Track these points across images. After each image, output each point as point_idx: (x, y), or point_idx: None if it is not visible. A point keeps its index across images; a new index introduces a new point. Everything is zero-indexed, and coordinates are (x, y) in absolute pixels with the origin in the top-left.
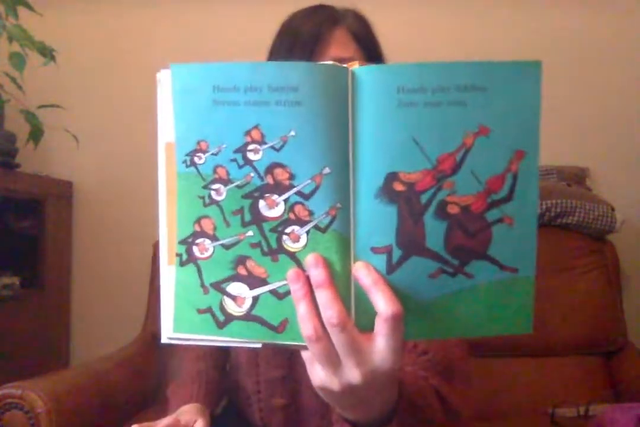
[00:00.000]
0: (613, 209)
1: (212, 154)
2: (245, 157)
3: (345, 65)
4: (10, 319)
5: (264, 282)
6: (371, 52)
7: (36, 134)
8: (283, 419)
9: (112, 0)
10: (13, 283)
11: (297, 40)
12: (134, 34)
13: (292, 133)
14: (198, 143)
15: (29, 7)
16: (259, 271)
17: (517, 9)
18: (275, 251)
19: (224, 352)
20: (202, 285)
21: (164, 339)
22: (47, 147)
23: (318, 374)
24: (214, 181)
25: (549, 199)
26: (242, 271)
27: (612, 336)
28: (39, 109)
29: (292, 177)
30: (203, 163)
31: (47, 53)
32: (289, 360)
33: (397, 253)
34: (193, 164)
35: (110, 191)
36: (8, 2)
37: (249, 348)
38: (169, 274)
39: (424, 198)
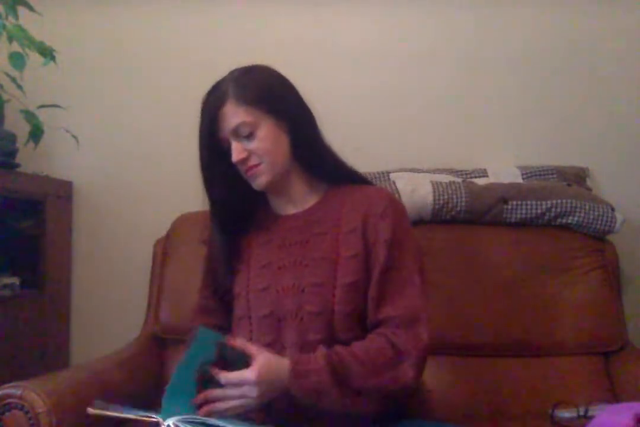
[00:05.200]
0: (613, 209)
1: None
2: None
3: None
4: (10, 319)
5: None
6: (264, 102)
7: (36, 134)
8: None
9: (113, 0)
10: (13, 283)
11: (202, 123)
12: (134, 33)
13: None
14: None
15: (29, 7)
16: None
17: (517, 9)
18: None
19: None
20: None
21: None
22: (47, 147)
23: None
24: None
25: (549, 199)
26: None
27: (612, 336)
28: (39, 109)
29: None
30: None
31: (47, 53)
32: (275, 298)
33: None
34: None
35: (110, 191)
36: (8, 2)
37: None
38: None
39: None
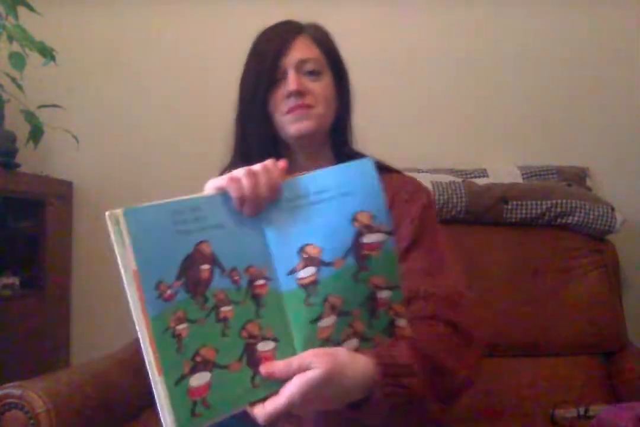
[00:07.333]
0: (613, 209)
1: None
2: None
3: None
4: (10, 319)
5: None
6: (332, 55)
7: (36, 134)
8: None
9: (113, 0)
10: (13, 283)
11: (268, 48)
12: (134, 33)
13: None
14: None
15: (29, 7)
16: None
17: (517, 9)
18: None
19: None
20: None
21: None
22: (47, 147)
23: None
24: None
25: (549, 199)
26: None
27: (612, 336)
28: (39, 109)
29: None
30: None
31: (47, 53)
32: None
33: None
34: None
35: (110, 191)
36: (8, 2)
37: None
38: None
39: None
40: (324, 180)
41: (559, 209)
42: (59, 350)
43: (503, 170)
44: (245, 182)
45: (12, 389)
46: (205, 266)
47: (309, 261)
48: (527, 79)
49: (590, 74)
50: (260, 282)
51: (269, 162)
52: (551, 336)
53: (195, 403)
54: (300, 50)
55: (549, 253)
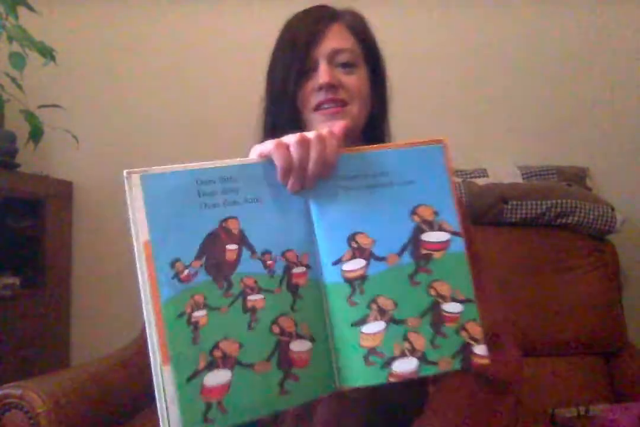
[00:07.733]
0: (613, 209)
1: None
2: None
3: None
4: (10, 319)
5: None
6: (368, 45)
7: (36, 134)
8: None
9: (112, 0)
10: (13, 283)
11: (298, 36)
12: (134, 33)
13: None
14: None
15: (29, 7)
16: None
17: (518, 10)
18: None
19: None
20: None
21: None
22: (47, 147)
23: None
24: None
25: (549, 199)
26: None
27: (612, 336)
28: (39, 109)
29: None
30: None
31: (47, 53)
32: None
33: None
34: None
35: (110, 191)
36: (8, 2)
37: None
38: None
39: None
40: (386, 162)
41: (559, 209)
42: (59, 350)
43: (503, 171)
44: (295, 151)
45: (12, 389)
46: (232, 246)
47: (359, 252)
48: (527, 79)
49: (590, 74)
50: (299, 270)
51: (325, 131)
52: (551, 335)
53: (209, 406)
54: (335, 40)
55: (549, 253)
